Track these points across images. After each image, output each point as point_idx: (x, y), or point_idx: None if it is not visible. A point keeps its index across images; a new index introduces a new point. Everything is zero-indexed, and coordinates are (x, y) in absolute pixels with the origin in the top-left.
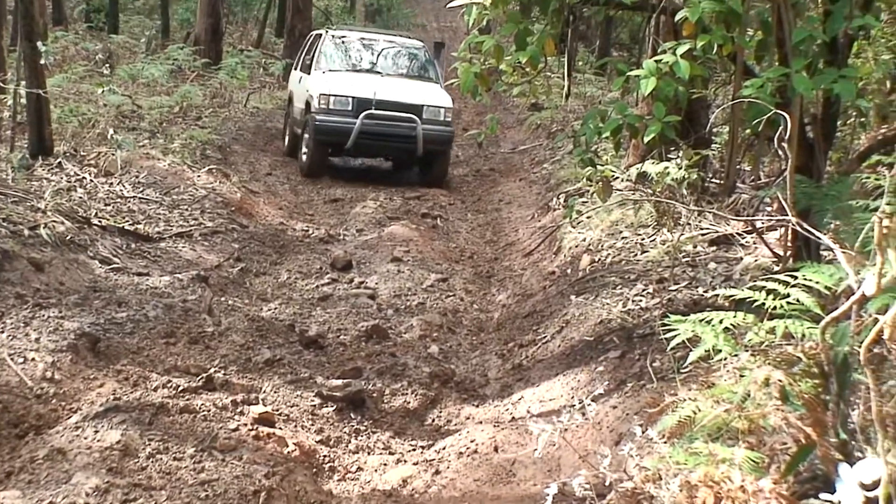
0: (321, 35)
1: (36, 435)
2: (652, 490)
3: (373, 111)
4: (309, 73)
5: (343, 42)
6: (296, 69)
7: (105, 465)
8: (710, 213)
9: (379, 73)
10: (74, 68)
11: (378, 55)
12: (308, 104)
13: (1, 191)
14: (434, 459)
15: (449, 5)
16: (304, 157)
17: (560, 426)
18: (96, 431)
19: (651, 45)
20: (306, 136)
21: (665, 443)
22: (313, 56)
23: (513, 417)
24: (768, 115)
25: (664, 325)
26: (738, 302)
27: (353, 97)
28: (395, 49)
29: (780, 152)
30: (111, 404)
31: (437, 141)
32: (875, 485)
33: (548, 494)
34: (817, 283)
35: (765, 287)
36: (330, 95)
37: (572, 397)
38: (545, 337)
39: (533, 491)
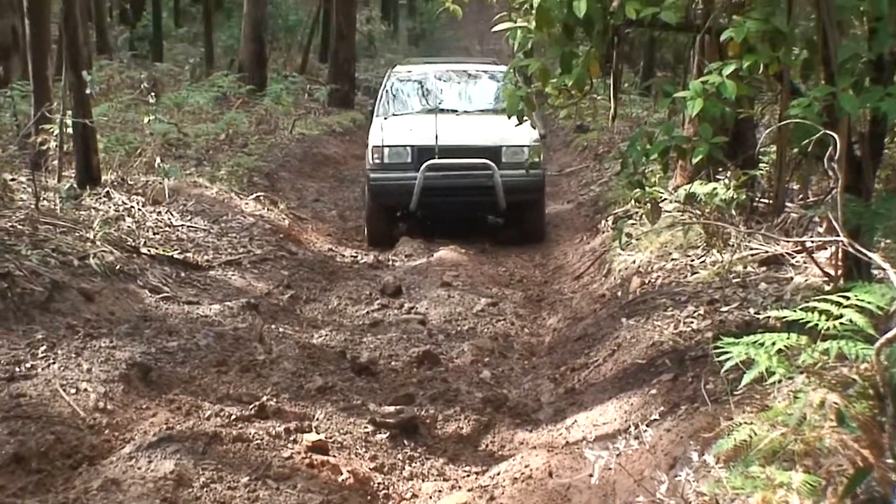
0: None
1: (89, 466)
2: None
3: (435, 160)
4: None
5: (410, 78)
6: (376, 115)
7: (159, 496)
8: (759, 233)
9: (453, 111)
10: (120, 97)
11: (451, 90)
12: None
13: (50, 221)
14: (488, 485)
15: (493, 29)
16: (365, 225)
17: (615, 452)
18: (150, 461)
19: (696, 65)
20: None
21: (721, 467)
22: (377, 100)
23: (566, 442)
24: (817, 135)
25: (717, 347)
26: (791, 323)
27: (412, 146)
28: (472, 80)
29: (829, 172)
30: (164, 434)
31: (522, 189)
32: None
33: None
34: (869, 302)
35: (817, 308)
36: (384, 147)
37: (625, 421)
38: (597, 360)
39: None
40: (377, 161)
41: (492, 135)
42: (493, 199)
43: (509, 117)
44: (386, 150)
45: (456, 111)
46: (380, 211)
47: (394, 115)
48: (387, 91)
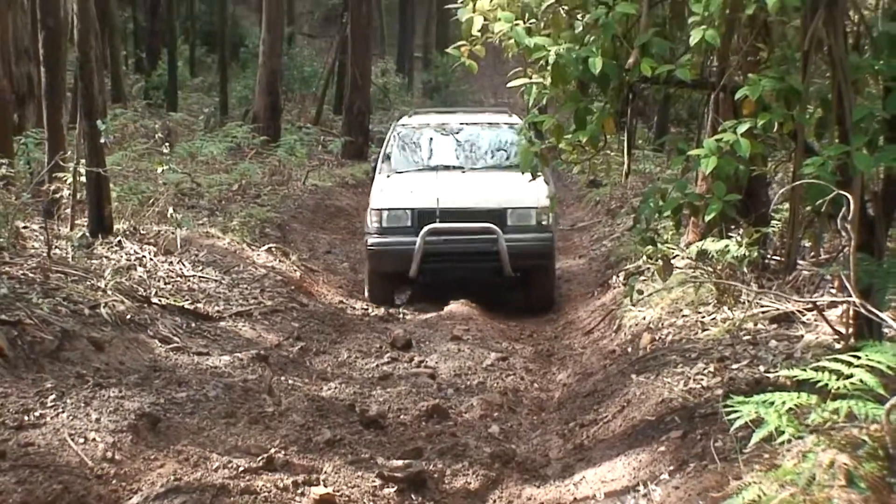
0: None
1: None
2: None
3: (436, 224)
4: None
5: (417, 131)
6: (378, 173)
7: None
8: (770, 291)
9: (459, 168)
10: (134, 146)
11: (457, 144)
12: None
13: (61, 270)
14: None
15: (508, 84)
16: (366, 289)
17: None
18: None
19: (710, 122)
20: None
21: None
22: (379, 155)
23: (574, 499)
24: (831, 195)
25: (726, 405)
26: (801, 382)
27: (412, 209)
28: (480, 133)
29: (842, 231)
30: (172, 485)
31: (530, 254)
32: None
33: None
34: (880, 362)
35: (827, 367)
36: (382, 210)
37: (634, 478)
38: (606, 416)
39: None
40: (376, 224)
41: (497, 195)
42: (497, 264)
43: (523, 173)
44: (385, 214)
45: (462, 168)
46: (377, 279)
47: (396, 172)
48: (390, 146)
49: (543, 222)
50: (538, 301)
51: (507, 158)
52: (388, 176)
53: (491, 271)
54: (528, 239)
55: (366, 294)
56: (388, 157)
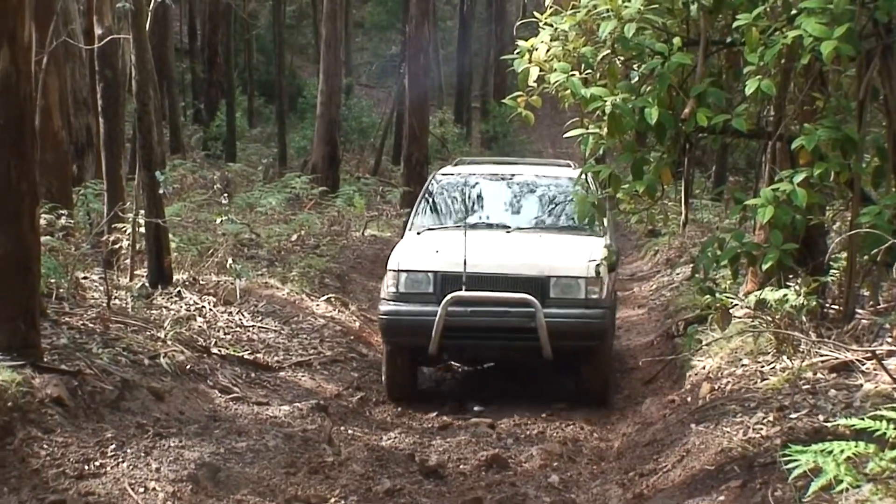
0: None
1: None
2: None
3: (461, 293)
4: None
5: (459, 183)
6: (408, 229)
7: None
8: (829, 340)
9: (505, 227)
10: (192, 197)
11: (502, 199)
12: None
13: (121, 320)
14: None
15: (566, 135)
16: (384, 373)
17: None
18: None
19: (767, 171)
20: None
21: None
22: (413, 209)
23: None
24: (887, 244)
25: (785, 454)
26: (859, 431)
27: (434, 272)
28: (538, 187)
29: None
30: None
31: (577, 334)
32: None
33: None
34: None
35: (885, 416)
36: (399, 272)
37: None
38: (666, 466)
39: None
40: (392, 290)
41: (538, 261)
42: (535, 344)
43: (579, 222)
44: (402, 277)
45: (507, 227)
46: (393, 354)
47: (428, 229)
48: (425, 199)
49: (594, 296)
50: (587, 393)
51: (564, 218)
52: (419, 233)
53: (526, 352)
54: (575, 315)
55: (384, 382)
56: (421, 212)
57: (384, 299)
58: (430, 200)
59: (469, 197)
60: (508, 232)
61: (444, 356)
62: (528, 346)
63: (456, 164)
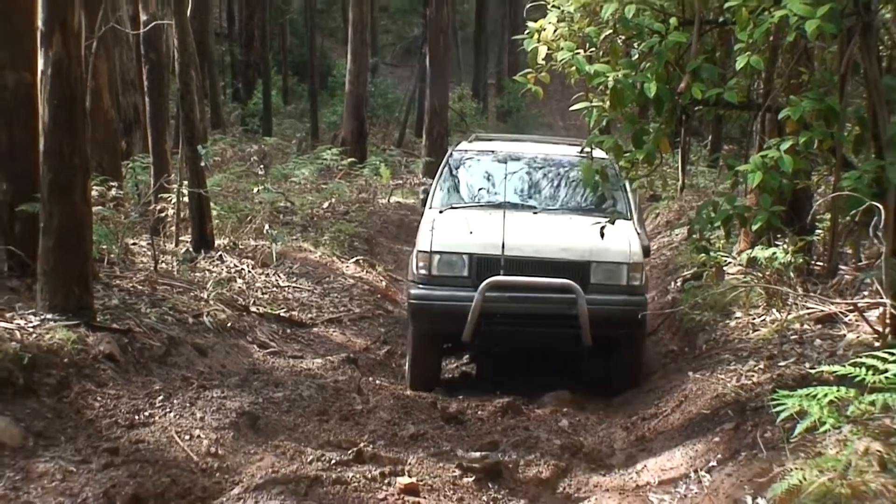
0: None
1: None
2: None
3: (500, 277)
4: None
5: (477, 159)
6: (429, 207)
7: None
8: (815, 294)
9: (531, 207)
10: (232, 168)
11: (527, 178)
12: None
13: (167, 282)
14: None
15: (572, 108)
16: (406, 361)
17: (678, 496)
18: (256, 502)
19: (758, 140)
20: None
21: None
22: (432, 185)
23: (637, 486)
24: (865, 205)
25: (774, 399)
26: (842, 377)
27: (470, 255)
28: (555, 165)
29: (876, 239)
30: (270, 477)
31: (617, 321)
32: None
33: None
34: None
35: (865, 363)
36: (432, 254)
37: (691, 466)
38: (665, 411)
39: None
40: (423, 272)
41: (579, 245)
42: (576, 331)
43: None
44: (436, 259)
45: (534, 208)
46: (421, 341)
47: (451, 207)
48: (445, 175)
49: (636, 282)
50: (620, 380)
51: (588, 200)
52: (441, 211)
53: (564, 340)
54: (616, 302)
55: (406, 373)
56: (441, 189)
57: (413, 282)
58: (450, 177)
59: (490, 174)
60: (535, 213)
61: (475, 342)
62: (567, 333)
63: (472, 141)
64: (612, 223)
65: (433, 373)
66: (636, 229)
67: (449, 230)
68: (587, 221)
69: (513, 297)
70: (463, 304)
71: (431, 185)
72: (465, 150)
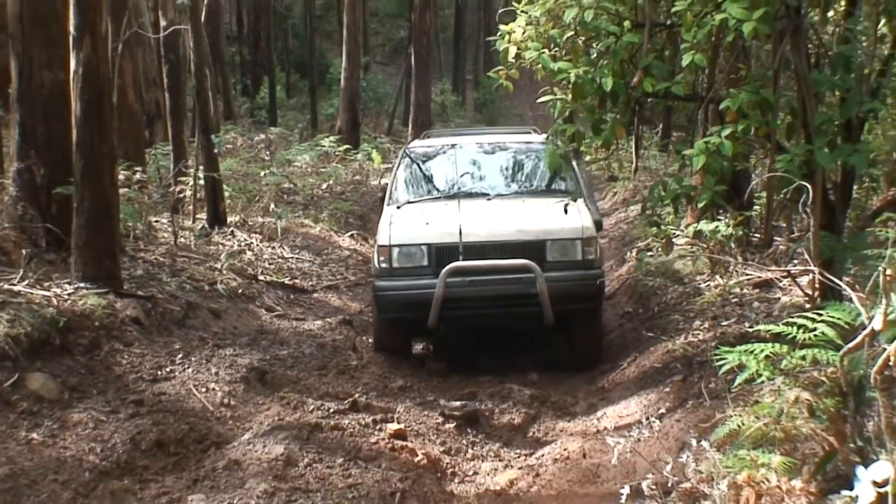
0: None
1: (216, 449)
2: (705, 489)
3: (459, 263)
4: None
5: (431, 154)
6: (387, 203)
7: (271, 473)
8: (753, 262)
9: (483, 195)
10: (242, 155)
11: (480, 167)
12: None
13: (186, 255)
14: (534, 465)
15: (538, 100)
16: (372, 346)
17: (632, 439)
18: (264, 446)
19: (702, 128)
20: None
21: (716, 451)
22: (389, 183)
23: (597, 430)
24: (794, 184)
25: (717, 354)
26: (776, 335)
27: (428, 244)
28: (508, 154)
29: (804, 214)
30: (276, 424)
31: (573, 296)
32: (885, 482)
33: (623, 493)
34: (839, 319)
35: (796, 322)
36: (392, 247)
37: (644, 413)
38: (623, 365)
39: (613, 490)
40: (384, 265)
41: (533, 224)
42: (537, 309)
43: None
44: (395, 252)
45: (487, 195)
46: (386, 330)
47: (409, 202)
48: (400, 171)
49: (590, 256)
50: (583, 355)
51: (538, 182)
52: (399, 207)
53: (527, 318)
54: (574, 277)
55: (372, 344)
56: (397, 185)
57: (376, 276)
58: (405, 174)
59: (443, 168)
60: (489, 199)
61: (440, 327)
62: (529, 311)
63: (424, 137)
64: (575, 201)
65: (398, 347)
66: (587, 206)
67: (406, 223)
68: (539, 203)
69: (473, 281)
70: (426, 293)
71: (388, 183)
72: (418, 147)
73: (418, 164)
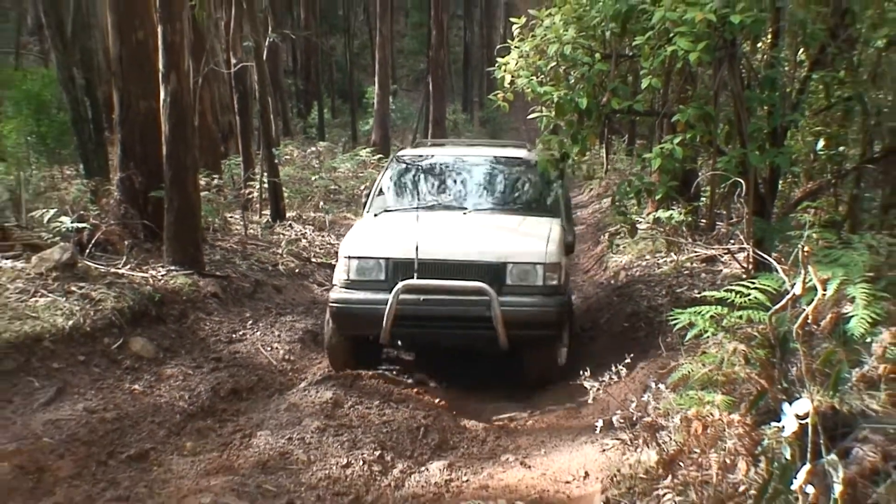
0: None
1: (279, 395)
2: (662, 422)
3: (413, 281)
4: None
5: (417, 164)
6: (366, 211)
7: (323, 413)
8: (700, 243)
9: (461, 208)
10: (297, 163)
11: (461, 180)
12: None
13: (254, 243)
14: (529, 404)
15: (529, 117)
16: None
17: (605, 383)
18: (317, 392)
19: (658, 137)
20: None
21: (671, 392)
22: (371, 191)
23: (579, 376)
24: (731, 180)
25: (672, 315)
26: (719, 299)
27: (386, 259)
28: (491, 167)
29: (740, 204)
30: (326, 374)
31: (532, 323)
32: (806, 415)
33: (597, 425)
34: (768, 286)
35: (735, 289)
36: (351, 259)
37: (614, 362)
38: (600, 323)
39: (591, 423)
40: (343, 276)
41: (495, 246)
42: (491, 333)
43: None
44: (354, 264)
45: (465, 209)
46: (339, 343)
47: (386, 211)
48: (383, 180)
49: (552, 282)
50: (530, 378)
51: (520, 198)
52: (376, 215)
53: (482, 342)
54: (532, 304)
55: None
56: (379, 193)
57: (335, 286)
58: (389, 182)
59: (427, 178)
60: (465, 213)
61: (396, 343)
62: (483, 335)
63: (415, 146)
64: (553, 218)
65: (348, 363)
66: (563, 226)
67: (369, 235)
68: (513, 220)
69: (427, 300)
70: (380, 308)
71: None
72: (405, 156)
73: (404, 174)
